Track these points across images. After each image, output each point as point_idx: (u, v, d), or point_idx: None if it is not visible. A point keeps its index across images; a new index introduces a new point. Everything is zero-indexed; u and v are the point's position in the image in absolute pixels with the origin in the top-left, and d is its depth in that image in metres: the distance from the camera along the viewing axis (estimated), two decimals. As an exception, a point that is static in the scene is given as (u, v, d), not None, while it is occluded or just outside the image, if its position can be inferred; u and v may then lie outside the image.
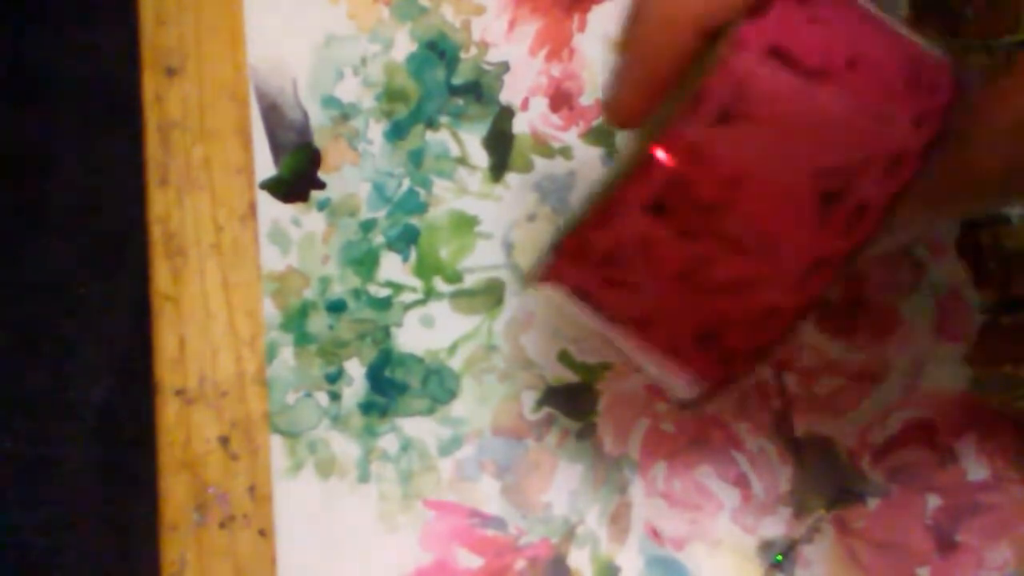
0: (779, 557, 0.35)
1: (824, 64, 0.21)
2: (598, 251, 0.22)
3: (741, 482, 0.35)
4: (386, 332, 0.36)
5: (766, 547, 0.35)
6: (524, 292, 0.36)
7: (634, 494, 0.35)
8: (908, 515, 0.34)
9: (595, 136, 0.37)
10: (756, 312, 0.22)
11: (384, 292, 0.37)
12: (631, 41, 0.24)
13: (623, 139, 0.37)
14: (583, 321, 0.25)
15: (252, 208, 0.38)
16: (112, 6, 1.06)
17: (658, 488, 0.35)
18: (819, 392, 0.35)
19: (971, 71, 0.23)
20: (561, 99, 0.38)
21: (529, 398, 0.36)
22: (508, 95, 0.38)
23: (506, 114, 0.38)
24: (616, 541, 0.35)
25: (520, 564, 0.35)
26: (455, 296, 0.37)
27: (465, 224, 0.37)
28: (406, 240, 0.37)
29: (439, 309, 0.37)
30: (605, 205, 0.22)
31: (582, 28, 0.38)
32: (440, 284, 0.37)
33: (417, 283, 0.37)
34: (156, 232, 0.38)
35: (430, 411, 0.36)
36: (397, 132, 0.38)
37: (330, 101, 0.38)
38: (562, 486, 0.35)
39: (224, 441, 0.36)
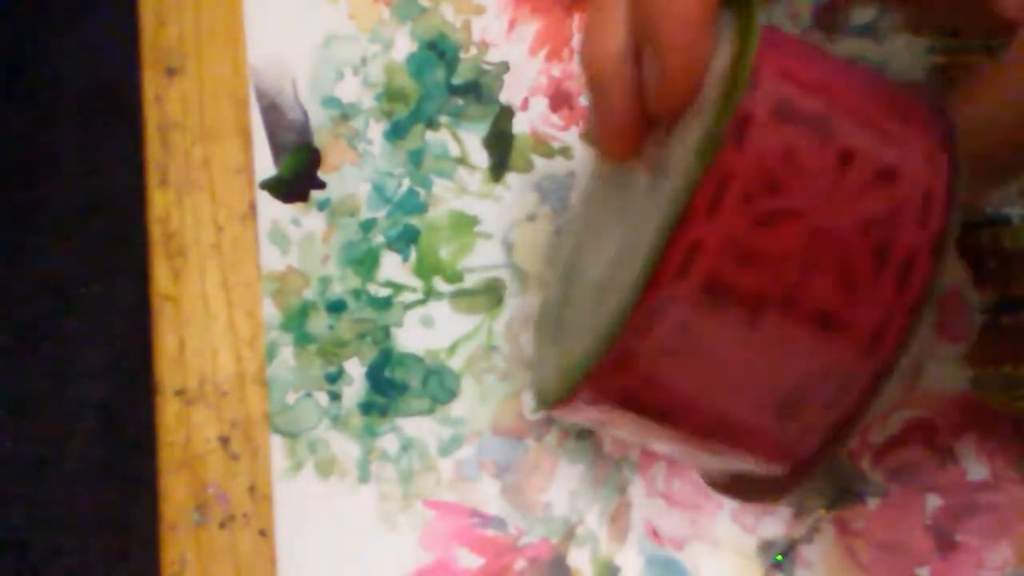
0: (779, 557, 0.35)
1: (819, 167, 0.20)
2: (645, 352, 0.20)
3: (741, 482, 0.35)
4: (386, 332, 0.36)
5: (766, 547, 0.35)
6: (523, 294, 0.36)
7: (634, 494, 0.35)
8: (908, 515, 0.34)
9: (595, 136, 0.37)
10: (833, 377, 0.21)
11: (384, 292, 0.37)
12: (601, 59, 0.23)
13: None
14: (616, 434, 0.25)
15: (252, 208, 0.38)
16: (112, 6, 1.06)
17: (658, 488, 0.35)
18: (819, 392, 0.35)
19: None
20: (561, 99, 0.38)
21: (529, 398, 0.36)
22: (508, 95, 0.38)
23: (506, 114, 0.38)
24: (616, 541, 0.35)
25: (520, 564, 0.35)
26: (455, 296, 0.37)
27: (465, 224, 0.37)
28: (406, 240, 0.37)
29: (439, 309, 0.37)
30: (640, 309, 0.20)
31: (582, 28, 0.38)
32: (440, 284, 0.37)
33: (417, 283, 0.37)
34: (156, 232, 0.38)
35: (430, 411, 0.36)
36: (397, 132, 0.38)
37: (330, 101, 0.38)
38: (562, 486, 0.35)
39: (224, 441, 0.36)
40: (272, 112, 0.38)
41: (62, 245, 1.04)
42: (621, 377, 0.21)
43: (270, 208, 0.37)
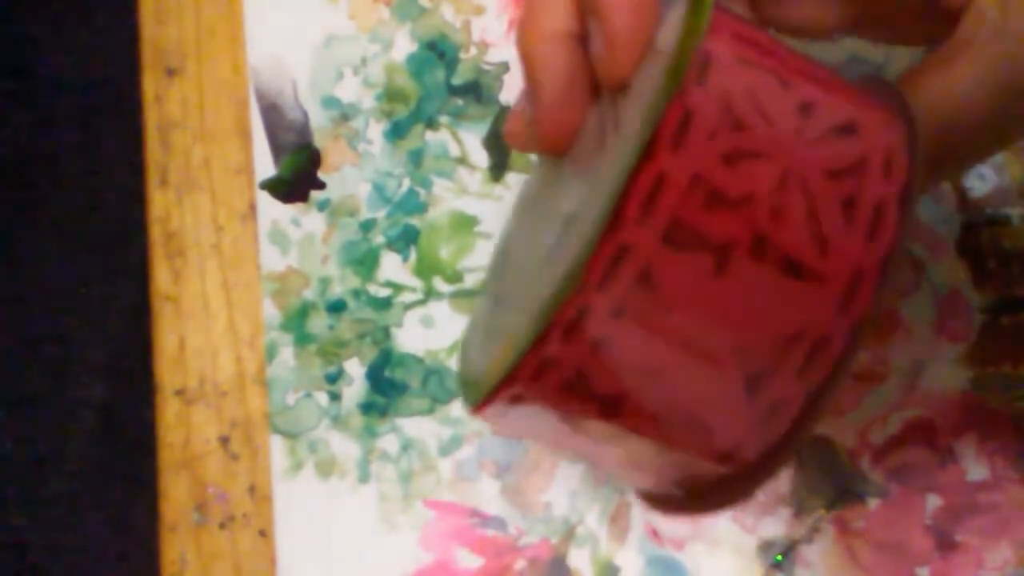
0: (779, 557, 0.34)
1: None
2: (598, 312, 0.19)
3: (741, 482, 0.35)
4: (386, 332, 0.36)
5: (766, 547, 0.35)
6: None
7: (634, 494, 0.35)
8: (908, 515, 0.34)
9: (595, 136, 0.37)
10: (806, 338, 0.19)
11: (384, 292, 0.37)
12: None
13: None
14: (549, 439, 0.23)
15: (252, 208, 0.38)
16: (112, 6, 1.06)
17: (658, 488, 0.35)
18: (819, 392, 0.35)
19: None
20: (561, 99, 0.38)
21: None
22: (508, 95, 0.38)
23: (506, 114, 0.38)
24: (616, 541, 0.35)
25: (520, 564, 0.35)
26: (455, 296, 0.37)
27: (465, 224, 0.37)
28: (406, 240, 0.37)
29: (439, 309, 0.37)
30: (600, 254, 0.18)
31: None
32: (440, 284, 0.37)
33: (417, 283, 0.37)
34: (156, 232, 0.38)
35: (430, 411, 0.36)
36: (397, 132, 0.38)
37: (330, 101, 0.38)
38: (562, 486, 0.35)
39: (224, 441, 0.36)
40: (272, 112, 0.38)
41: (62, 245, 1.04)
42: (569, 349, 0.19)
43: (270, 208, 0.37)
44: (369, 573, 0.35)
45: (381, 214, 0.37)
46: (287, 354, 0.36)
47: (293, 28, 0.38)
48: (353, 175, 0.37)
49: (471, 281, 0.37)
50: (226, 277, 0.37)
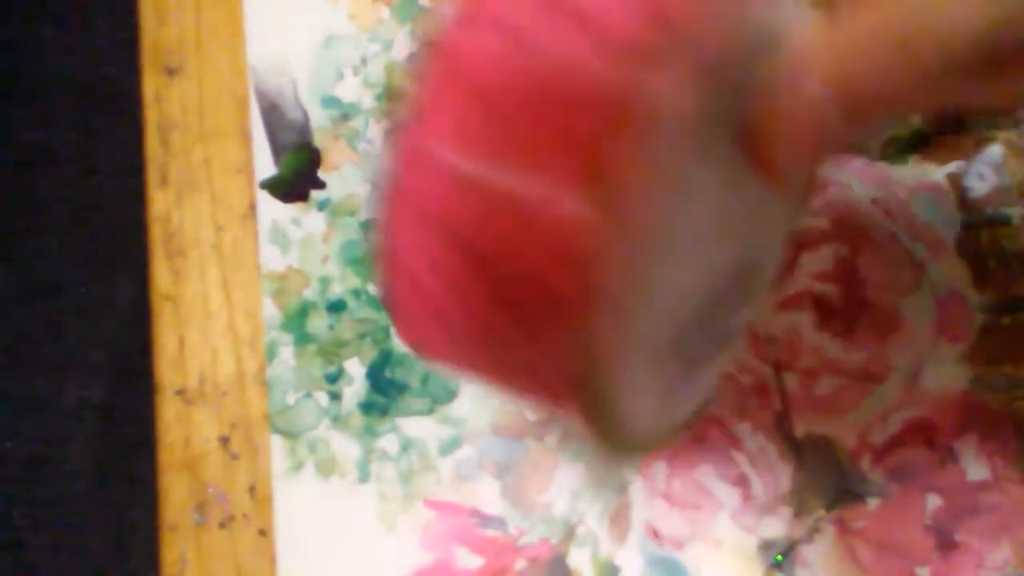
0: (779, 557, 0.34)
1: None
2: None
3: (741, 482, 0.35)
4: (386, 332, 0.36)
5: (766, 547, 0.35)
6: None
7: (634, 494, 0.35)
8: (908, 515, 0.34)
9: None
10: None
11: (384, 292, 0.37)
12: None
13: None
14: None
15: (252, 208, 0.38)
16: (112, 6, 1.06)
17: (658, 488, 0.35)
18: (819, 392, 0.35)
19: None
20: (561, 99, 0.38)
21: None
22: (508, 95, 0.38)
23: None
24: (616, 541, 0.35)
25: (520, 564, 0.35)
26: (455, 296, 0.37)
27: (465, 224, 0.37)
28: (406, 240, 0.37)
29: (439, 309, 0.37)
30: None
31: None
32: (440, 284, 0.37)
33: (417, 283, 0.37)
34: (156, 232, 0.38)
35: (430, 411, 0.36)
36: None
37: (330, 101, 0.38)
38: (562, 486, 0.35)
39: (224, 441, 0.36)
40: (272, 112, 0.38)
41: (62, 245, 1.04)
42: None
43: (270, 208, 0.37)
44: (369, 573, 0.35)
45: (381, 214, 0.37)
46: (287, 354, 0.36)
47: (293, 28, 0.38)
48: (353, 175, 0.37)
49: (471, 281, 0.37)
50: (226, 277, 0.37)
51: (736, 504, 0.35)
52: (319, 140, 0.38)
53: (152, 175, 0.38)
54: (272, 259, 0.37)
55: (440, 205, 0.18)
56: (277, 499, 0.36)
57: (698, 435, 0.35)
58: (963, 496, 0.34)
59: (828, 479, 0.35)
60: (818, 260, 0.36)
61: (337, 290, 0.37)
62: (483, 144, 0.17)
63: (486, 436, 0.36)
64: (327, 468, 0.36)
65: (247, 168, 0.38)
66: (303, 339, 0.36)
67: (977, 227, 0.36)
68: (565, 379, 0.18)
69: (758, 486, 0.35)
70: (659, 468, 0.35)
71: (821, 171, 0.31)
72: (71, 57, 1.07)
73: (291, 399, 0.36)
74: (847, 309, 0.36)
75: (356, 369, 0.36)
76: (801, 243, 0.36)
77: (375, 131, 0.38)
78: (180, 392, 0.37)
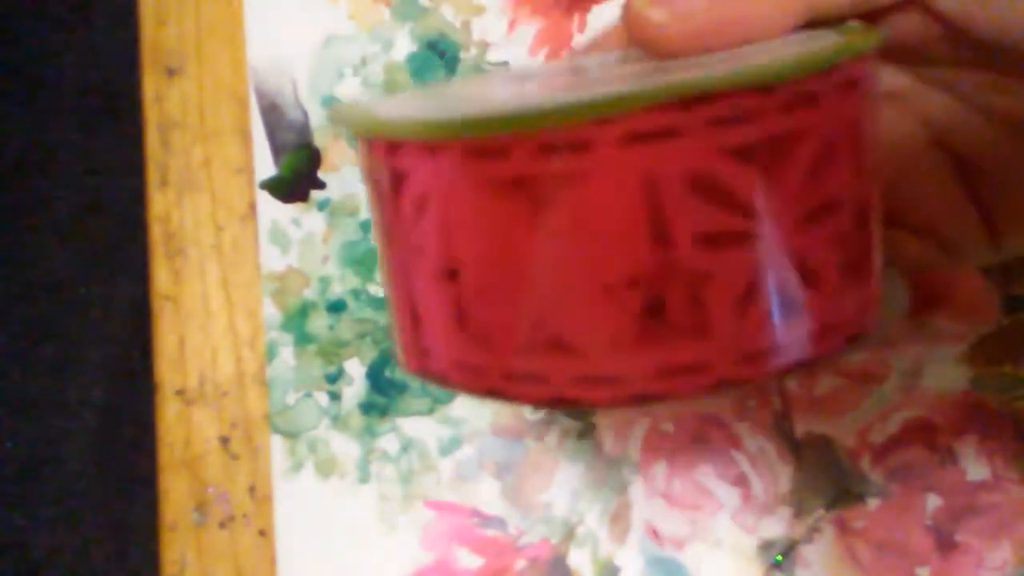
0: (779, 557, 0.35)
1: None
2: None
3: (741, 482, 0.35)
4: (386, 332, 0.36)
5: (766, 547, 0.35)
6: None
7: (634, 494, 0.35)
8: (908, 515, 0.34)
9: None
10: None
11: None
12: None
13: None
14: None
15: (252, 208, 0.38)
16: (112, 6, 1.07)
17: (658, 488, 0.35)
18: (819, 392, 0.35)
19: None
20: (561, 99, 0.38)
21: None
22: (508, 95, 0.38)
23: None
24: (616, 541, 0.35)
25: (520, 564, 0.35)
26: (455, 296, 0.37)
27: (465, 224, 0.37)
28: (406, 240, 0.37)
29: (439, 309, 0.37)
30: None
31: (582, 28, 0.38)
32: (440, 284, 0.37)
33: (417, 283, 0.37)
34: (156, 232, 0.38)
35: (430, 411, 0.36)
36: (397, 132, 0.38)
37: (330, 101, 0.38)
38: (562, 486, 0.35)
39: (224, 441, 0.36)
40: (272, 112, 0.38)
41: (62, 245, 1.04)
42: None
43: (270, 208, 0.37)
44: (369, 573, 0.35)
45: (381, 214, 0.37)
46: (287, 354, 0.36)
47: (293, 28, 0.38)
48: (353, 175, 0.37)
49: (471, 281, 0.37)
50: (226, 277, 0.37)
51: (736, 504, 0.35)
52: (319, 140, 0.38)
53: (152, 175, 0.38)
54: (272, 259, 0.37)
55: None
56: (277, 499, 0.36)
57: (698, 435, 0.35)
58: (963, 496, 0.34)
59: (828, 479, 0.35)
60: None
61: (337, 290, 0.37)
62: None
63: (486, 436, 0.36)
64: (327, 468, 0.36)
65: (247, 168, 0.38)
66: (303, 339, 0.36)
67: (977, 227, 0.36)
68: None
69: (758, 486, 0.35)
70: (659, 468, 0.35)
71: None
72: (71, 57, 1.07)
73: (291, 399, 0.36)
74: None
75: (356, 369, 0.36)
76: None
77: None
78: (180, 392, 0.37)
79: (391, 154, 0.17)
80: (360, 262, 0.37)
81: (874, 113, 0.17)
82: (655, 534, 0.35)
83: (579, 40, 0.38)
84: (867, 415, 0.35)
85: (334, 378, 0.36)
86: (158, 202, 0.38)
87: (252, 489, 0.36)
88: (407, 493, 0.35)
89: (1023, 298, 0.35)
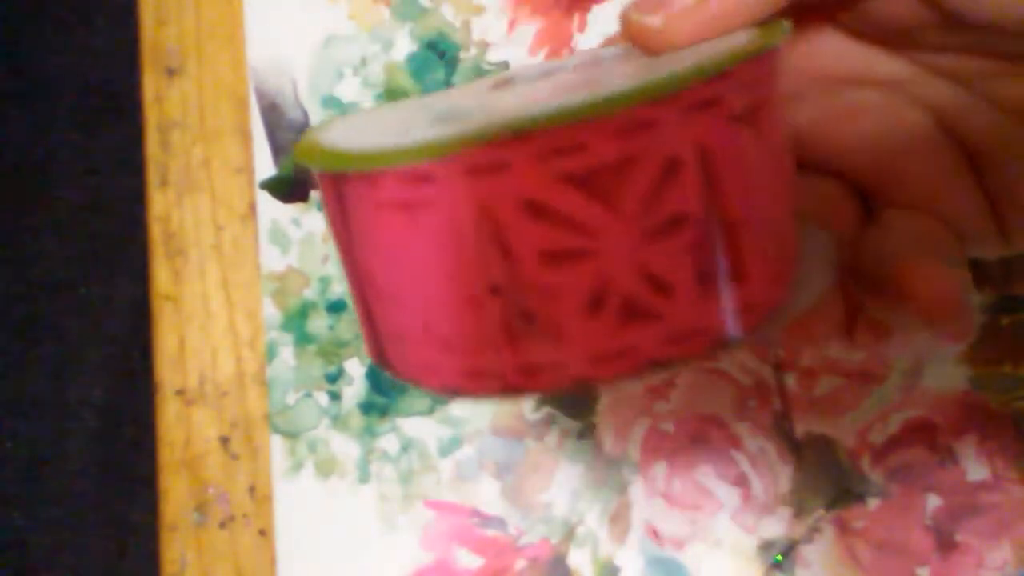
0: (779, 557, 0.34)
1: None
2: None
3: (741, 482, 0.35)
4: (386, 332, 0.36)
5: (766, 547, 0.35)
6: None
7: (634, 494, 0.35)
8: (908, 515, 0.34)
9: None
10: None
11: (384, 292, 0.37)
12: None
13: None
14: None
15: (252, 208, 0.38)
16: (112, 6, 1.07)
17: (658, 488, 0.35)
18: (819, 392, 0.35)
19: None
20: (561, 99, 0.38)
21: (529, 398, 0.36)
22: (508, 95, 0.38)
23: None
24: (616, 541, 0.35)
25: (520, 564, 0.35)
26: (455, 296, 0.37)
27: (465, 224, 0.37)
28: (406, 240, 0.37)
29: (439, 309, 0.37)
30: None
31: (582, 28, 0.38)
32: (440, 284, 0.37)
33: (417, 283, 0.37)
34: (156, 232, 0.38)
35: (430, 411, 0.36)
36: (397, 132, 0.38)
37: (330, 101, 0.38)
38: (562, 486, 0.35)
39: (224, 441, 0.36)
40: (272, 112, 0.38)
41: (62, 245, 1.04)
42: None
43: (270, 208, 0.37)
44: (369, 573, 0.35)
45: (381, 214, 0.37)
46: (287, 354, 0.36)
47: (293, 28, 0.38)
48: (353, 175, 0.37)
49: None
50: (226, 277, 0.37)
51: (736, 504, 0.35)
52: (319, 140, 0.38)
53: (152, 175, 0.38)
54: (272, 259, 0.37)
55: None
56: (277, 499, 0.36)
57: (698, 435, 0.35)
58: (963, 496, 0.34)
59: (828, 479, 0.35)
60: (818, 260, 0.36)
61: (337, 290, 0.37)
62: None
63: (486, 436, 0.36)
64: (327, 468, 0.36)
65: (247, 168, 0.38)
66: (303, 339, 0.36)
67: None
68: None
69: (758, 486, 0.35)
70: (659, 468, 0.35)
71: None
72: (71, 57, 1.07)
73: (291, 399, 0.36)
74: (847, 309, 0.36)
75: (356, 369, 0.36)
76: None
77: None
78: (180, 392, 0.37)
79: (334, 183, 0.20)
80: (360, 262, 0.37)
81: (756, 124, 0.19)
82: (655, 534, 0.35)
83: (579, 40, 0.38)
84: (867, 415, 0.35)
85: (334, 378, 0.36)
86: (158, 202, 0.38)
87: (252, 489, 0.36)
88: (407, 493, 0.35)
89: (1023, 298, 0.35)
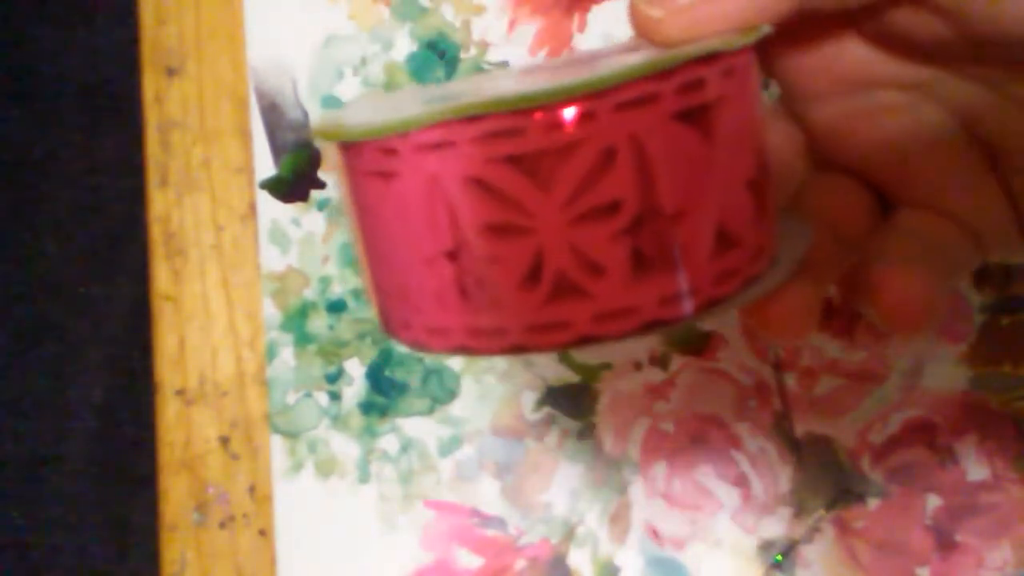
0: (779, 557, 0.34)
1: None
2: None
3: (741, 482, 0.35)
4: (386, 332, 0.36)
5: (766, 547, 0.35)
6: None
7: (634, 494, 0.35)
8: (908, 515, 0.34)
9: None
10: None
11: (384, 292, 0.37)
12: None
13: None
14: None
15: (252, 208, 0.38)
16: (112, 6, 1.06)
17: (658, 488, 0.35)
18: (819, 392, 0.35)
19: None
20: (561, 99, 0.38)
21: (529, 398, 0.36)
22: (508, 95, 0.38)
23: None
24: (616, 541, 0.35)
25: (520, 564, 0.35)
26: (455, 296, 0.37)
27: (465, 224, 0.37)
28: (406, 240, 0.37)
29: (439, 309, 0.37)
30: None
31: (582, 28, 0.38)
32: (440, 284, 0.37)
33: (417, 283, 0.37)
34: (156, 232, 0.38)
35: (430, 411, 0.36)
36: (397, 132, 0.38)
37: (330, 101, 0.38)
38: (562, 486, 0.35)
39: (224, 441, 0.36)
40: (272, 112, 0.38)
41: (62, 245, 1.04)
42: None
43: (270, 208, 0.37)
44: (369, 573, 0.35)
45: (381, 214, 0.37)
46: (287, 354, 0.36)
47: (293, 28, 0.38)
48: (353, 175, 0.37)
49: (471, 281, 0.37)
50: (226, 277, 0.37)
51: (736, 504, 0.35)
52: (319, 140, 0.38)
53: (152, 175, 0.38)
54: (272, 259, 0.37)
55: None
56: (277, 499, 0.36)
57: (698, 435, 0.35)
58: (963, 496, 0.34)
59: (828, 479, 0.35)
60: (818, 260, 0.36)
61: (337, 290, 0.37)
62: None
63: (486, 436, 0.36)
64: (327, 468, 0.36)
65: (247, 168, 0.38)
66: (303, 339, 0.36)
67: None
68: None
69: (758, 486, 0.35)
70: (659, 468, 0.35)
71: None
72: (71, 57, 1.07)
73: (291, 399, 0.36)
74: (847, 309, 0.36)
75: (356, 369, 0.36)
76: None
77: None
78: (180, 392, 0.36)
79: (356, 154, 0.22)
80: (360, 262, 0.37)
81: (704, 123, 0.20)
82: (655, 534, 0.35)
83: (579, 40, 0.38)
84: (867, 415, 0.35)
85: (334, 378, 0.36)
86: (158, 202, 0.38)
87: (252, 489, 0.36)
88: (407, 493, 0.35)
89: (1023, 298, 0.35)
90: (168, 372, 0.37)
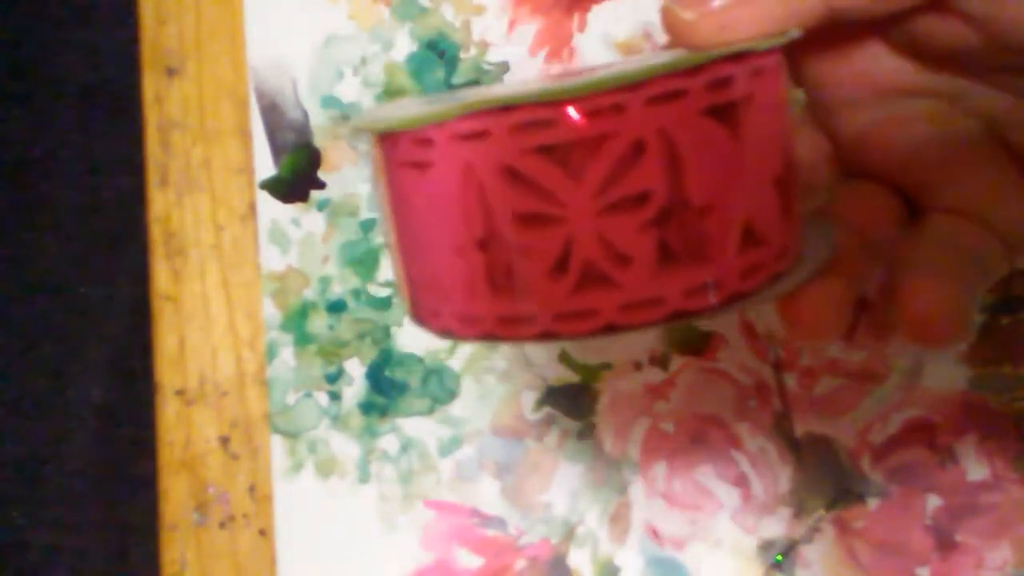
0: (779, 557, 0.35)
1: None
2: None
3: (741, 482, 0.35)
4: (386, 332, 0.36)
5: (766, 547, 0.35)
6: None
7: (634, 494, 0.35)
8: (908, 515, 0.34)
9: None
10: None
11: (384, 292, 0.37)
12: None
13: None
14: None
15: (252, 208, 0.38)
16: (112, 6, 1.06)
17: (658, 488, 0.35)
18: (819, 392, 0.35)
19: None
20: (561, 99, 0.38)
21: (529, 398, 0.36)
22: (508, 95, 0.38)
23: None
24: (616, 541, 0.35)
25: (520, 564, 0.35)
26: (455, 296, 0.37)
27: (465, 224, 0.37)
28: (406, 240, 0.37)
29: (439, 309, 0.37)
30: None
31: (582, 28, 0.38)
32: (440, 284, 0.37)
33: (417, 283, 0.37)
34: (156, 232, 0.38)
35: (430, 411, 0.36)
36: (397, 132, 0.38)
37: (330, 101, 0.38)
38: (562, 486, 0.35)
39: (224, 441, 0.36)
40: (272, 112, 0.38)
41: (62, 245, 1.04)
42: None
43: (270, 208, 0.37)
44: (369, 573, 0.35)
45: (381, 214, 0.37)
46: (287, 354, 0.36)
47: (293, 28, 0.38)
48: (353, 175, 0.37)
49: (471, 281, 0.37)
50: (226, 277, 0.37)
51: (736, 504, 0.35)
52: (319, 140, 0.38)
53: (152, 175, 0.38)
54: (272, 259, 0.37)
55: None
56: (277, 499, 0.36)
57: (698, 435, 0.35)
58: (963, 496, 0.34)
59: (828, 479, 0.35)
60: (818, 260, 0.36)
61: (337, 290, 0.37)
62: None
63: (486, 436, 0.36)
64: (327, 468, 0.36)
65: (247, 168, 0.38)
66: (303, 339, 0.36)
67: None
68: None
69: (758, 486, 0.35)
70: (659, 468, 0.35)
71: None
72: (71, 57, 1.07)
73: (291, 399, 0.36)
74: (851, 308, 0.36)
75: (356, 369, 0.36)
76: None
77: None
78: (180, 392, 0.37)
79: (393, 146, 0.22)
80: (360, 262, 0.37)
81: (731, 120, 0.20)
82: (655, 534, 0.35)
83: (579, 40, 0.38)
84: (867, 415, 0.35)
85: (334, 378, 0.36)
86: (158, 202, 0.38)
87: (252, 489, 0.36)
88: (407, 493, 0.35)
89: (1023, 298, 0.35)
90: (168, 372, 0.37)
